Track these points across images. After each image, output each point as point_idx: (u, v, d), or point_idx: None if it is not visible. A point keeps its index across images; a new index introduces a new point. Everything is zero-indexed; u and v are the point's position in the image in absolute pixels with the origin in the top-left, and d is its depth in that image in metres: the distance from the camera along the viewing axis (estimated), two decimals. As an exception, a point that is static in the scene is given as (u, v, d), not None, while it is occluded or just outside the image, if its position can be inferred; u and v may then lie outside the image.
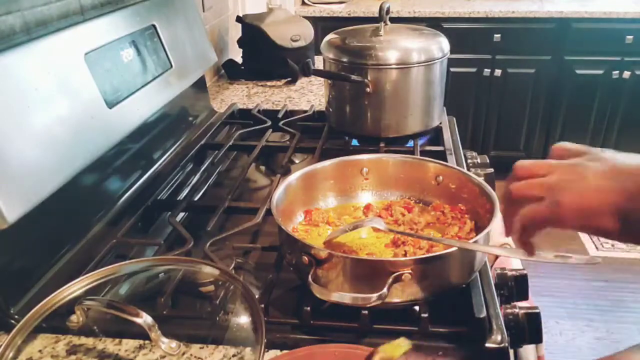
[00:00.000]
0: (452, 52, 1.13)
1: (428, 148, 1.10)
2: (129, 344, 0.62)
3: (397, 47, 1.06)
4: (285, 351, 0.60)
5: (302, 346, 0.59)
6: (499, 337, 0.61)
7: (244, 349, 0.60)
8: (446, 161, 0.96)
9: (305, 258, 0.63)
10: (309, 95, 1.51)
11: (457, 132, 1.20)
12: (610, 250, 2.56)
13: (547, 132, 3.00)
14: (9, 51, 0.69)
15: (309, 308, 0.63)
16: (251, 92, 1.56)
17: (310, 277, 0.61)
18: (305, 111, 1.31)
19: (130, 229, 0.85)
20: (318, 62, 1.66)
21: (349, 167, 0.86)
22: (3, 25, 0.76)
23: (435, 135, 1.17)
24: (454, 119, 1.26)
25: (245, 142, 1.17)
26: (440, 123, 1.18)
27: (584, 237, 2.65)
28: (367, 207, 0.83)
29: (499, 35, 2.81)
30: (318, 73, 1.28)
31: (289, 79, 1.63)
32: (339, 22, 2.11)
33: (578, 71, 2.84)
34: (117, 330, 0.63)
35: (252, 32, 1.65)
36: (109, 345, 0.62)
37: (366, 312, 0.62)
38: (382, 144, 1.09)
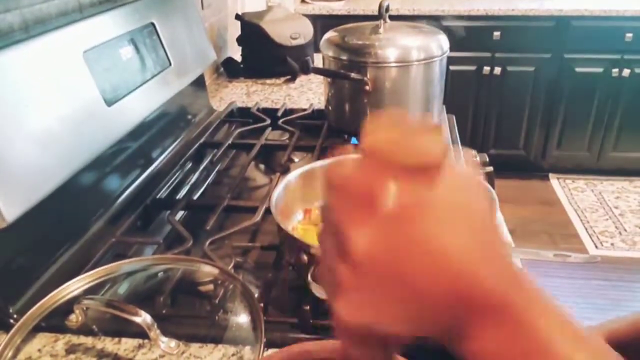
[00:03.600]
0: (451, 50, 1.13)
1: (427, 146, 1.10)
2: (128, 343, 0.62)
3: (396, 45, 1.06)
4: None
5: (301, 345, 0.59)
6: (498, 336, 0.61)
7: (243, 348, 0.60)
8: (446, 160, 0.95)
9: (305, 257, 0.63)
10: (308, 93, 1.51)
11: (456, 130, 1.20)
12: (610, 249, 2.55)
13: (546, 131, 3.00)
14: (7, 49, 0.69)
15: (308, 307, 0.63)
16: (250, 90, 1.56)
17: (309, 276, 0.61)
18: (305, 109, 1.31)
19: (129, 228, 0.84)
20: (317, 60, 1.66)
21: (348, 165, 0.85)
22: (1, 23, 0.76)
23: (435, 134, 1.17)
24: (454, 117, 1.26)
25: (245, 140, 1.17)
26: (440, 121, 1.18)
27: (583, 235, 2.65)
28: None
29: (498, 33, 2.80)
30: (317, 71, 1.27)
31: (288, 77, 1.63)
32: (338, 20, 2.11)
33: (578, 69, 2.83)
34: (116, 329, 0.63)
35: (251, 30, 1.65)
36: (108, 344, 0.62)
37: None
38: (381, 143, 1.09)
